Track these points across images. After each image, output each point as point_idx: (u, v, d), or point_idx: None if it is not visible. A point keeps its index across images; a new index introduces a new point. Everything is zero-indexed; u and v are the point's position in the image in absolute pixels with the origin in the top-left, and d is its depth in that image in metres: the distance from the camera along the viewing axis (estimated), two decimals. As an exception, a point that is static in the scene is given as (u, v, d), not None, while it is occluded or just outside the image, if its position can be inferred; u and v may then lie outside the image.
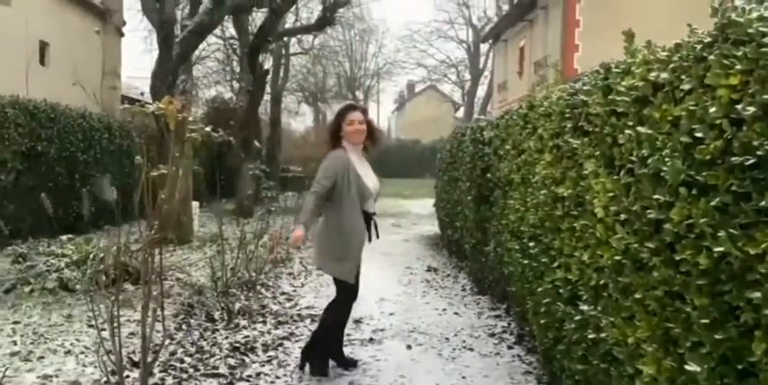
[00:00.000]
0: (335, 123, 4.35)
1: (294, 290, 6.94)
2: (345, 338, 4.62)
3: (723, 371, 1.94)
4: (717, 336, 1.94)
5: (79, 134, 10.94)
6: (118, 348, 3.45)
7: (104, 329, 3.85)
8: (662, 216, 2.24)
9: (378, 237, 4.41)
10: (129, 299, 5.60)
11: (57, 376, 4.03)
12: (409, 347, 4.89)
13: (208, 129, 4.74)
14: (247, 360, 4.49)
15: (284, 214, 9.21)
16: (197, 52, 18.71)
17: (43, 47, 17.32)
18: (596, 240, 2.91)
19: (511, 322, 5.52)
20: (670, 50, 2.38)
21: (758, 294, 1.77)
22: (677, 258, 2.13)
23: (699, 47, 2.14)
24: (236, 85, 22.90)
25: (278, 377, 4.18)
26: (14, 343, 4.65)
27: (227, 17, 15.45)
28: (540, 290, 3.87)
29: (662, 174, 2.22)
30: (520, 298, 4.70)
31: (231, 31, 20.77)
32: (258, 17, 19.90)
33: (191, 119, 4.39)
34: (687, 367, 2.04)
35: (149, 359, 3.62)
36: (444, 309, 6.13)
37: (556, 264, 3.58)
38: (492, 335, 5.23)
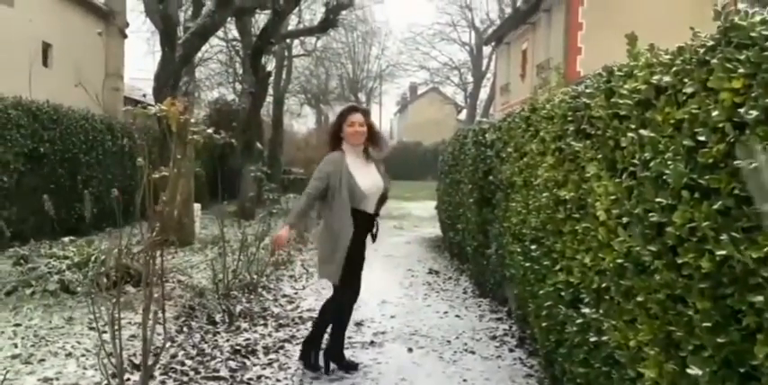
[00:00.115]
0: (336, 124, 4.38)
1: (295, 293, 6.93)
2: (346, 341, 4.61)
3: (725, 375, 1.93)
4: (719, 340, 1.93)
5: (81, 135, 10.95)
6: (119, 351, 3.45)
7: (105, 332, 3.84)
8: (664, 219, 2.23)
9: (374, 240, 4.41)
10: (130, 302, 5.60)
11: (57, 379, 4.03)
12: (410, 350, 4.88)
13: (210, 130, 4.73)
14: (248, 363, 4.49)
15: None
16: (200, 54, 18.79)
17: (46, 48, 17.36)
18: (598, 243, 2.90)
19: (512, 325, 5.51)
20: (673, 54, 2.38)
21: (760, 298, 1.76)
22: (679, 261, 2.13)
23: (702, 50, 2.13)
24: (238, 86, 22.93)
25: (279, 380, 4.17)
26: (15, 345, 4.64)
27: (229, 19, 15.49)
28: (541, 292, 3.86)
29: (664, 177, 2.22)
30: (521, 300, 4.70)
31: (234, 32, 20.81)
32: (261, 19, 19.98)
33: (193, 120, 4.39)
34: (689, 370, 2.04)
35: (150, 362, 3.62)
36: (446, 312, 6.12)
37: (558, 267, 3.57)
38: (493, 337, 5.22)
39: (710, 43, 2.10)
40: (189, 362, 4.40)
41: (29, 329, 5.05)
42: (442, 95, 51.31)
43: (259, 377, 4.21)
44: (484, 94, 42.97)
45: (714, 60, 2.02)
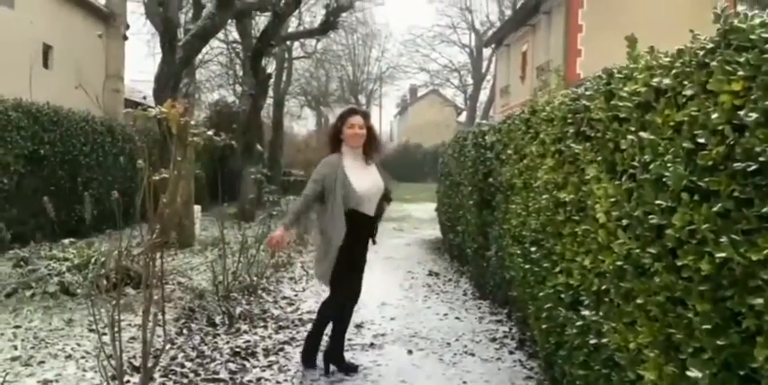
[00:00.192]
0: (336, 126, 4.40)
1: (295, 295, 6.93)
2: (346, 343, 4.61)
3: (725, 377, 1.93)
4: (719, 342, 1.93)
5: (82, 137, 10.96)
6: (118, 353, 3.45)
7: (105, 334, 3.84)
8: (664, 221, 2.23)
9: (374, 242, 4.44)
10: (130, 304, 5.60)
11: (57, 381, 4.02)
12: (410, 352, 4.88)
13: (210, 132, 4.74)
14: (248, 365, 4.48)
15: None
16: (200, 56, 18.80)
17: (47, 50, 17.37)
18: (598, 245, 2.90)
19: (512, 327, 5.51)
20: (672, 56, 2.38)
21: (760, 300, 1.76)
22: (679, 264, 2.13)
23: (701, 53, 2.14)
24: (238, 88, 22.96)
25: (279, 382, 4.17)
26: (15, 347, 4.64)
27: (230, 21, 15.50)
28: (541, 294, 3.86)
29: (664, 179, 2.22)
30: (521, 302, 4.70)
31: (234, 34, 20.82)
32: (261, 21, 20.00)
33: (193, 122, 4.40)
34: (689, 373, 2.03)
35: (150, 364, 3.62)
36: (445, 314, 6.12)
37: (557, 269, 3.58)
38: (493, 339, 5.22)
39: (710, 46, 2.10)
40: (189, 365, 4.39)
41: (28, 331, 5.05)
42: (442, 97, 51.36)
43: (259, 379, 4.20)
44: (484, 96, 43.03)
45: (714, 63, 2.02)
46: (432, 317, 5.99)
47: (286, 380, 4.20)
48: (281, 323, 5.63)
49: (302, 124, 41.66)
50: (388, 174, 4.53)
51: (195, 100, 20.26)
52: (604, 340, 2.81)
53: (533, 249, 4.11)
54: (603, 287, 2.84)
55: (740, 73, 1.89)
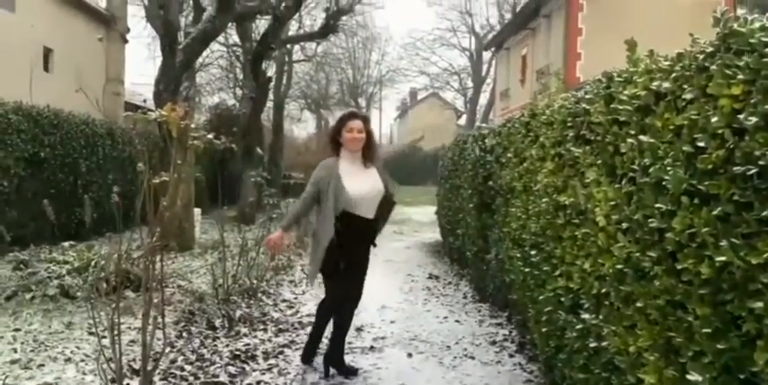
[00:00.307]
0: (335, 129, 4.43)
1: (295, 298, 6.93)
2: (346, 346, 4.61)
3: (725, 381, 1.93)
4: (719, 346, 1.93)
5: (82, 140, 10.97)
6: (118, 356, 3.44)
7: (105, 337, 3.84)
8: (664, 225, 2.23)
9: (374, 245, 4.48)
10: (129, 307, 5.60)
11: (57, 384, 4.02)
12: (410, 355, 4.88)
13: (210, 136, 4.74)
14: (248, 368, 4.48)
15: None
16: (200, 59, 18.79)
17: (47, 53, 17.39)
18: (598, 249, 2.90)
19: (512, 330, 5.50)
20: (672, 60, 2.39)
21: (760, 304, 1.77)
22: (679, 267, 2.13)
23: (701, 56, 2.14)
24: (239, 91, 22.95)
25: (278, 385, 4.17)
26: (15, 350, 4.64)
27: (230, 24, 15.52)
28: (541, 298, 3.86)
29: (664, 183, 2.22)
30: (521, 306, 4.69)
31: (235, 38, 20.84)
32: (261, 24, 20.01)
33: (193, 126, 4.40)
34: (689, 376, 2.03)
35: (150, 367, 3.61)
36: (445, 317, 6.12)
37: (557, 273, 3.57)
38: (493, 343, 5.22)
39: (710, 49, 2.11)
40: (188, 368, 4.39)
41: (28, 334, 5.04)
42: (442, 101, 51.40)
43: (258, 382, 4.20)
44: (484, 99, 43.05)
45: (713, 66, 2.02)
46: (432, 321, 5.99)
47: (285, 384, 4.19)
48: (280, 326, 5.62)
49: (302, 127, 41.75)
50: (390, 177, 4.53)
51: (195, 103, 20.25)
52: (604, 343, 2.81)
53: (533, 252, 4.11)
54: (603, 290, 2.84)
55: (740, 77, 1.89)
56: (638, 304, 2.44)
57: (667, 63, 2.41)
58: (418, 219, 16.94)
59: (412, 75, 48.14)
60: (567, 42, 20.79)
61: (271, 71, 21.25)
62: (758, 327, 1.79)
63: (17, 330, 5.14)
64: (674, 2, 19.06)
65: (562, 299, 3.46)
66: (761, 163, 1.77)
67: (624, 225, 2.59)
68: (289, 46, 22.77)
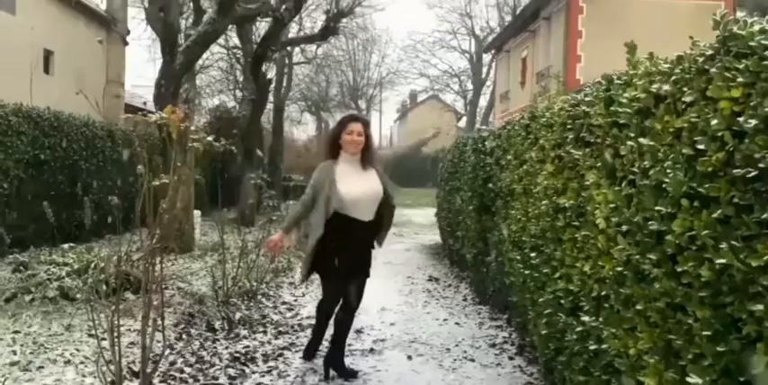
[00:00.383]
0: (335, 131, 4.45)
1: (295, 300, 6.92)
2: (346, 348, 4.60)
3: (725, 384, 1.93)
4: (719, 348, 1.93)
5: (82, 142, 10.97)
6: (118, 358, 3.44)
7: (104, 339, 3.84)
8: (663, 227, 2.23)
9: (374, 247, 4.52)
10: (129, 309, 5.59)
11: (56, 385, 4.02)
12: (410, 358, 4.87)
13: (210, 138, 4.75)
14: (247, 370, 4.47)
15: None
16: (200, 61, 18.79)
17: (47, 55, 17.39)
18: (598, 251, 2.90)
19: (512, 332, 5.50)
20: (672, 62, 2.39)
21: (760, 306, 1.76)
22: (679, 270, 2.13)
23: (701, 59, 2.14)
24: (239, 94, 22.96)
25: (278, 387, 4.16)
26: (14, 352, 4.63)
27: (230, 26, 15.53)
28: (541, 300, 3.86)
29: (664, 185, 2.22)
30: (521, 308, 4.69)
31: (235, 40, 20.83)
32: (262, 26, 20.03)
33: (193, 128, 4.40)
34: (689, 379, 2.03)
35: (149, 369, 3.61)
36: (445, 320, 6.11)
37: (557, 275, 3.57)
38: (493, 345, 5.21)
39: (710, 52, 2.11)
40: (188, 370, 4.39)
41: (28, 336, 5.04)
42: (442, 103, 51.40)
43: (258, 384, 4.20)
44: (484, 101, 43.09)
45: (713, 69, 2.02)
46: (431, 323, 5.98)
47: (285, 386, 4.19)
48: (280, 328, 5.62)
49: (302, 129, 41.71)
50: (390, 180, 4.53)
51: (195, 105, 20.26)
52: (604, 346, 2.80)
53: (533, 255, 4.11)
54: (603, 293, 2.84)
55: (740, 79, 1.89)
56: (638, 306, 2.44)
57: (667, 66, 2.41)
58: (418, 221, 16.94)
59: (412, 77, 48.27)
60: (567, 45, 20.82)
61: (271, 73, 21.27)
62: (758, 330, 1.79)
63: (17, 332, 5.13)
64: (674, 4, 19.11)
65: (562, 301, 3.45)
66: (761, 165, 1.78)
67: (624, 227, 2.59)
68: (289, 48, 22.76)
